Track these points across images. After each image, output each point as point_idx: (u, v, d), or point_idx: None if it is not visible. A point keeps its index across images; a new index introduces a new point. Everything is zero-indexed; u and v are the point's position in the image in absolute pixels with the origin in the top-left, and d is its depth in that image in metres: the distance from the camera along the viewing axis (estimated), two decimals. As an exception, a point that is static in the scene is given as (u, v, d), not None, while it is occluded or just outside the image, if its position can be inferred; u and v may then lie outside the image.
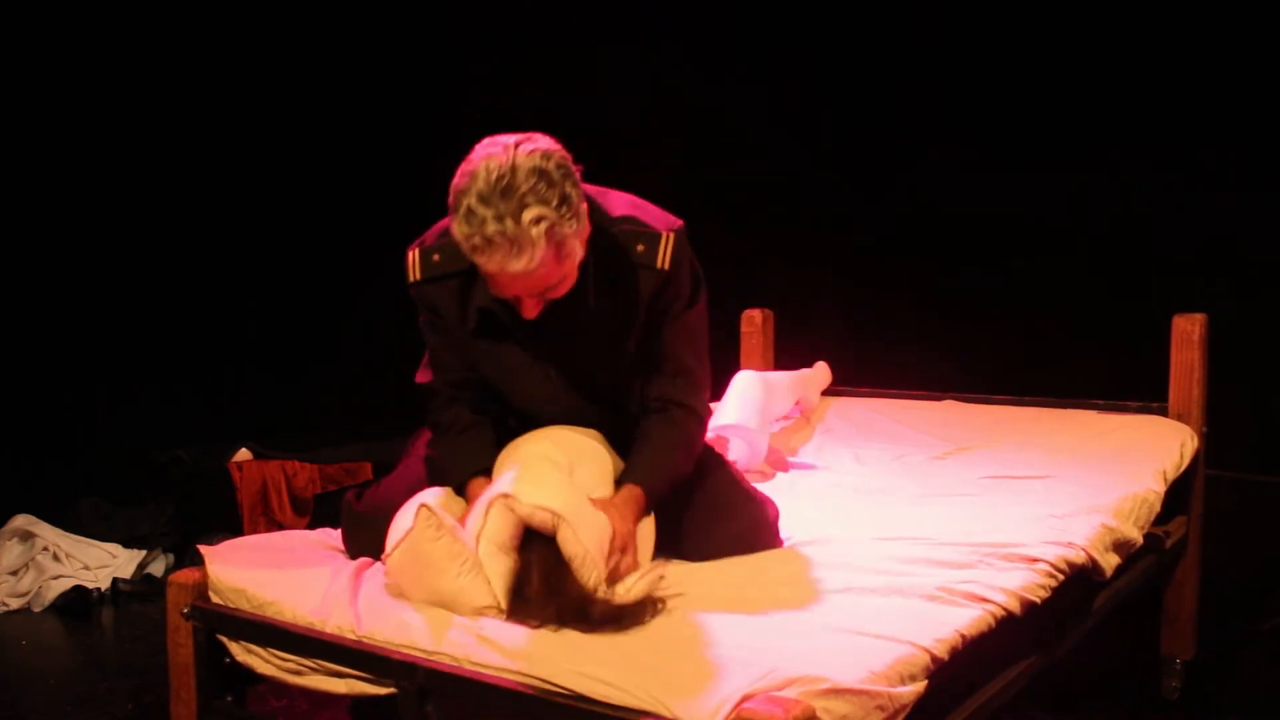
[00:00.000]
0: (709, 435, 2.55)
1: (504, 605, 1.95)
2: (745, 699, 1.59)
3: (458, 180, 2.00)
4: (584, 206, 2.05)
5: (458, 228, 1.99)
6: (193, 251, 5.14)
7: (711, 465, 2.44)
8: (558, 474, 2.13)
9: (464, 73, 5.68)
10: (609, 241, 2.20)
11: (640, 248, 2.20)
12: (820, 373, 3.86)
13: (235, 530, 4.59)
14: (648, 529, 2.22)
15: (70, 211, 4.80)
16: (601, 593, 1.92)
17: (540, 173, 1.97)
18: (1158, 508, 2.82)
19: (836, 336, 5.01)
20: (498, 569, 1.96)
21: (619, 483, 2.24)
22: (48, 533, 4.49)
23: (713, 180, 5.48)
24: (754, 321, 4.00)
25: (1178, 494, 3.09)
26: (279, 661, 2.17)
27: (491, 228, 1.94)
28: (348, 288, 5.48)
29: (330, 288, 5.51)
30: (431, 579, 1.98)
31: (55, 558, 4.43)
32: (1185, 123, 4.44)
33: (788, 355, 3.99)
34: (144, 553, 4.59)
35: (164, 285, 5.06)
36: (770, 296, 4.17)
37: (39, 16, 4.63)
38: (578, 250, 2.06)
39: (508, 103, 5.58)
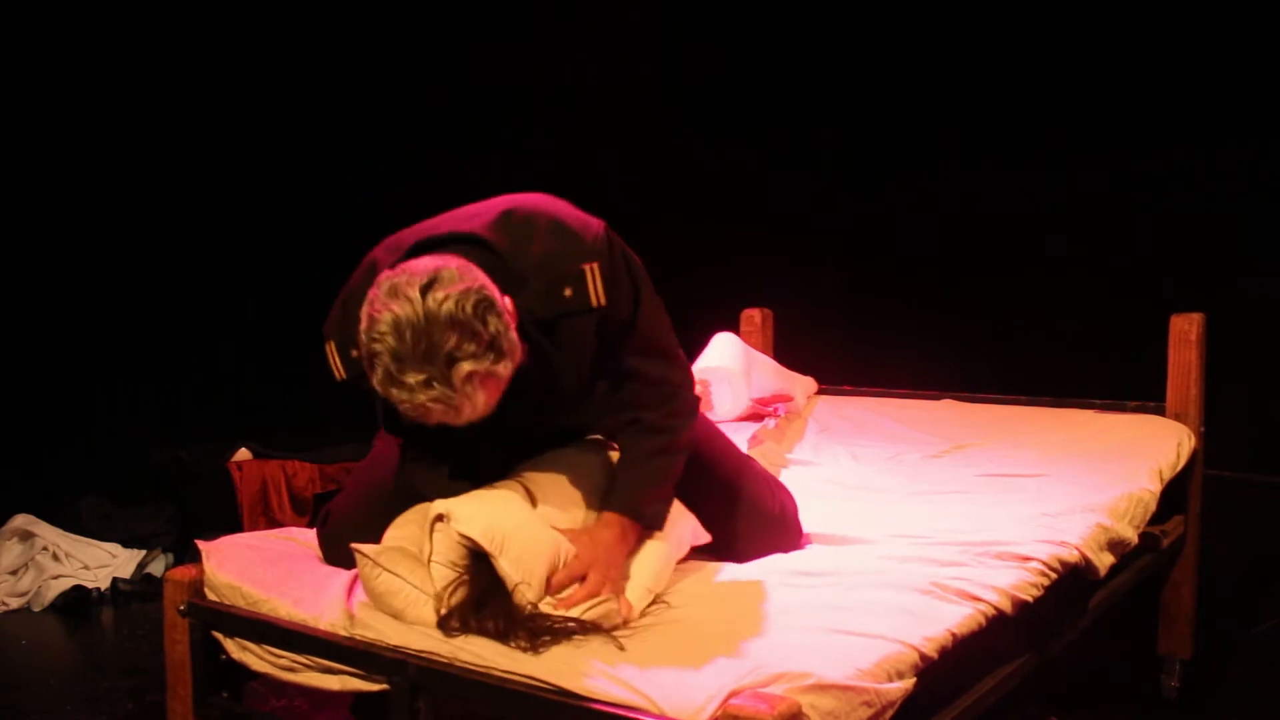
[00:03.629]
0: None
1: (450, 616, 1.96)
2: (732, 695, 1.60)
3: (367, 333, 1.79)
4: (512, 328, 1.84)
5: (382, 389, 1.81)
6: (193, 251, 5.14)
7: (739, 467, 2.46)
8: (503, 498, 2.07)
9: (464, 74, 5.68)
10: (534, 301, 1.98)
11: (568, 292, 2.00)
12: (807, 381, 3.88)
13: (235, 530, 4.59)
14: (655, 552, 2.14)
15: (70, 211, 4.81)
16: (544, 608, 1.92)
17: (458, 323, 1.76)
18: (1153, 507, 2.81)
19: (836, 336, 5.02)
20: (448, 581, 1.98)
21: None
22: (47, 532, 4.50)
23: (712, 180, 5.49)
24: (754, 321, 4.01)
25: (1176, 493, 3.09)
26: (273, 658, 2.18)
27: (422, 397, 1.78)
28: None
29: (330, 288, 5.51)
30: (386, 606, 2.02)
31: (55, 557, 4.43)
32: (1184, 123, 4.45)
33: (788, 355, 4.00)
34: (144, 552, 4.60)
35: (164, 285, 5.07)
36: (770, 296, 4.17)
37: (39, 16, 4.64)
38: (514, 365, 1.86)
39: (509, 104, 5.61)
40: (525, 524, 2.01)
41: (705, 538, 2.30)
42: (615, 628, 1.91)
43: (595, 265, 2.00)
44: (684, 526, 2.25)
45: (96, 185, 4.86)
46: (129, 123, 4.91)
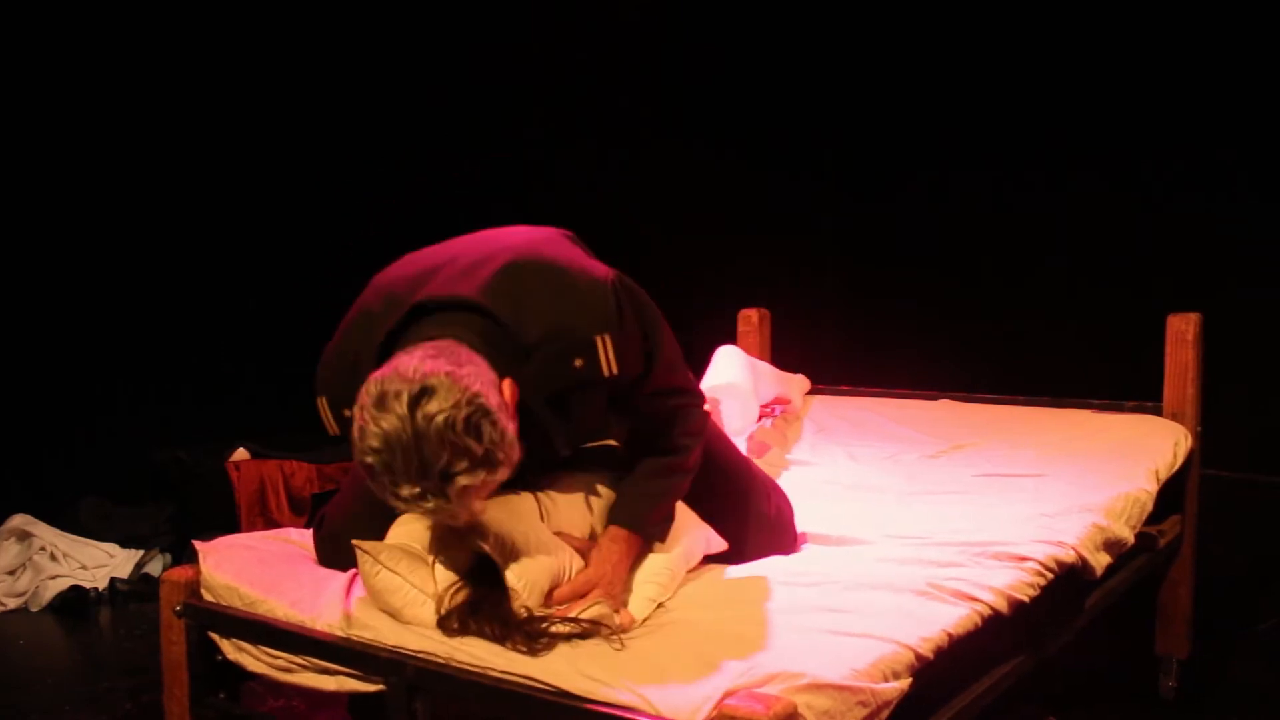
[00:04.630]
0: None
1: (449, 617, 1.95)
2: (727, 695, 1.60)
3: (359, 444, 1.74)
4: (510, 430, 1.77)
5: (378, 493, 1.78)
6: (193, 251, 5.15)
7: (740, 469, 2.45)
8: (516, 509, 2.07)
9: (464, 74, 5.69)
10: (541, 375, 1.92)
11: (579, 363, 1.93)
12: (800, 380, 3.88)
13: (233, 530, 4.58)
14: (660, 563, 2.13)
15: (70, 211, 4.81)
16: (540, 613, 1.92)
17: (450, 442, 1.69)
18: (1150, 507, 2.82)
19: (834, 336, 5.03)
20: (451, 582, 1.98)
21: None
22: (45, 532, 4.50)
23: (712, 180, 5.50)
24: (751, 321, 4.01)
25: (1173, 493, 3.09)
26: (269, 659, 2.18)
27: (417, 510, 1.78)
28: (347, 287, 5.48)
29: (330, 287, 5.51)
30: (384, 604, 2.01)
31: (52, 557, 4.43)
32: (1182, 124, 4.46)
33: (786, 355, 4.00)
34: (141, 553, 4.60)
35: (164, 285, 5.07)
36: (769, 297, 4.18)
37: (39, 16, 4.64)
38: (511, 467, 1.80)
39: (509, 104, 5.61)
40: (533, 536, 2.01)
41: (720, 545, 2.28)
42: (612, 632, 1.89)
43: (607, 336, 1.93)
44: (694, 538, 2.24)
45: (96, 185, 4.87)
46: (129, 123, 4.91)
